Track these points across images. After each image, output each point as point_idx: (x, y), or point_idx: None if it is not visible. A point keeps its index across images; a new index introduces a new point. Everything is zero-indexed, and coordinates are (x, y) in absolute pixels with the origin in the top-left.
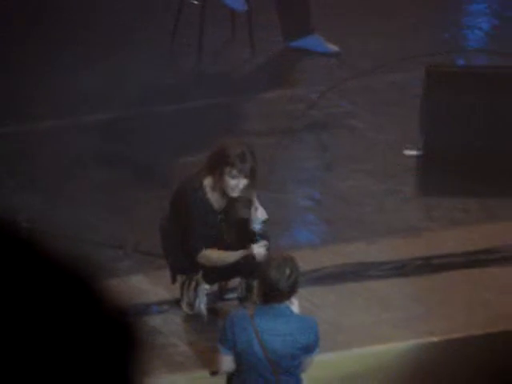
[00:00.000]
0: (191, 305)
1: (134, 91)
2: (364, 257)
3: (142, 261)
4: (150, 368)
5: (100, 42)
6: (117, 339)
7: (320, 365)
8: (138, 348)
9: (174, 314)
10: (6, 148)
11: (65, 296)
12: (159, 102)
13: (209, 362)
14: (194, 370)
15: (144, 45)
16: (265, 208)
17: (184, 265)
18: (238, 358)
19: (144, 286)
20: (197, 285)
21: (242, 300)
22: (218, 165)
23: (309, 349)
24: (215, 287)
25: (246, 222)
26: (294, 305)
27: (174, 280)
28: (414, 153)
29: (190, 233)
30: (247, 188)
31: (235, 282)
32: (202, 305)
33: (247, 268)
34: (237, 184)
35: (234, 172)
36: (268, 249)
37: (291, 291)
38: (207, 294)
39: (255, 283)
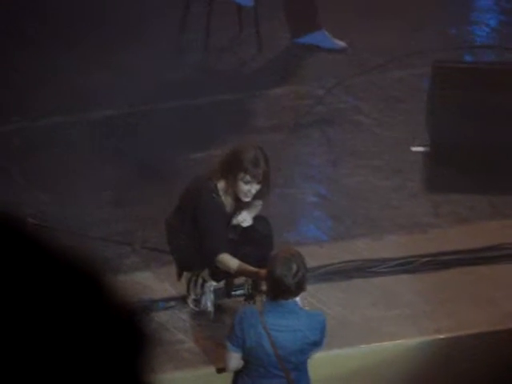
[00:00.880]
0: (198, 301)
1: (141, 87)
2: (370, 253)
3: (149, 257)
4: (156, 364)
5: (107, 38)
6: (123, 335)
7: (326, 361)
8: (144, 344)
9: (180, 310)
10: (14, 144)
11: (71, 292)
12: (166, 99)
13: (215, 359)
14: (201, 367)
15: (151, 41)
16: (272, 203)
17: (191, 261)
18: (247, 355)
19: (150, 282)
20: (203, 281)
21: (248, 297)
22: (231, 169)
23: (317, 344)
24: (222, 284)
25: (266, 238)
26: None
27: (180, 276)
28: (420, 149)
29: (206, 235)
30: (260, 193)
31: (241, 278)
32: (208, 301)
33: (254, 264)
34: (249, 189)
35: (247, 177)
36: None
37: (298, 288)
38: (214, 291)
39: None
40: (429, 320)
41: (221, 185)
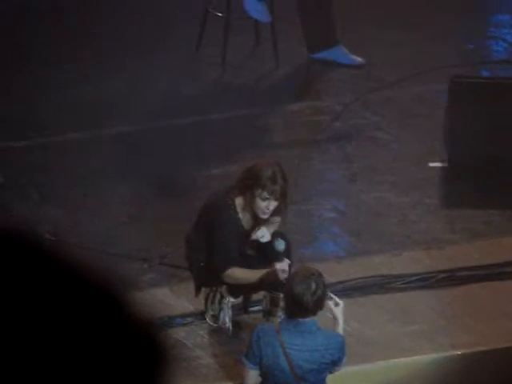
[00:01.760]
0: (215, 317)
1: (157, 103)
2: (388, 269)
3: (166, 273)
4: (174, 380)
5: (123, 54)
6: (141, 352)
7: (344, 378)
8: (162, 360)
9: (198, 326)
10: (29, 160)
11: (89, 309)
12: (183, 114)
13: (233, 375)
14: (219, 383)
15: (168, 56)
16: (289, 220)
17: (208, 277)
18: (264, 373)
19: (168, 298)
20: (221, 297)
21: (266, 313)
22: (248, 186)
23: (335, 363)
24: (239, 300)
25: (270, 244)
26: (337, 313)
27: (198, 292)
28: (438, 165)
29: (218, 250)
30: (278, 210)
31: (260, 294)
32: (226, 317)
33: (272, 281)
34: (267, 206)
35: (265, 194)
36: (290, 268)
37: (316, 306)
38: (232, 307)
39: (280, 296)
40: (446, 336)
41: (238, 201)
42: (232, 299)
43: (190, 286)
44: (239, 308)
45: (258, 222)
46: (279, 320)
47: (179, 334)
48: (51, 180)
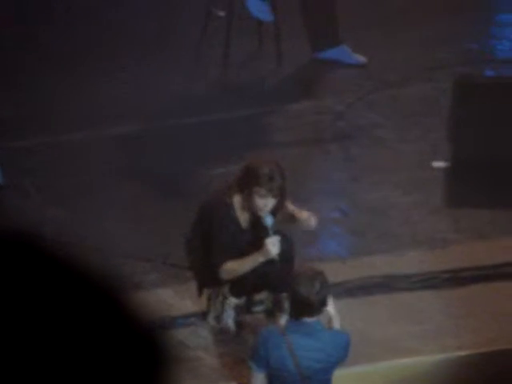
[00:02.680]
0: (218, 318)
1: (159, 103)
2: (391, 269)
3: (169, 274)
4: (176, 381)
5: (125, 55)
6: (144, 352)
7: (348, 378)
8: (164, 361)
9: (200, 327)
10: (32, 161)
11: (92, 309)
12: (185, 114)
13: (236, 375)
14: None
15: (170, 56)
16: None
17: (210, 278)
18: (271, 375)
19: (171, 299)
20: (224, 298)
21: (269, 313)
22: (246, 184)
23: (340, 362)
24: (242, 300)
25: (286, 253)
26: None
27: (200, 293)
28: (441, 164)
29: (214, 248)
30: (276, 207)
31: (262, 294)
32: (229, 318)
33: (274, 281)
34: (265, 203)
35: (263, 191)
36: (292, 267)
37: (321, 305)
38: (234, 307)
39: (282, 296)
40: (450, 336)
41: (237, 199)
42: (234, 300)
43: (193, 286)
44: (242, 308)
45: (256, 219)
46: (283, 321)
47: (182, 334)
48: (53, 181)
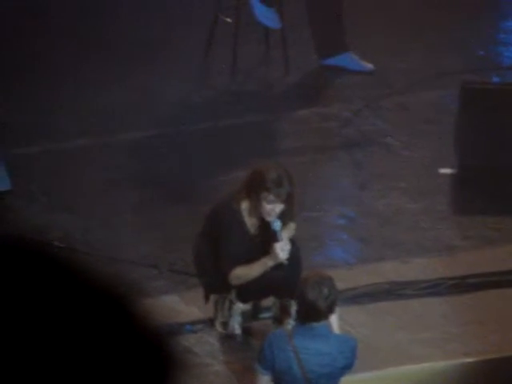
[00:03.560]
0: (225, 324)
1: (166, 110)
2: (398, 276)
3: (176, 280)
4: None
5: (132, 60)
6: (150, 359)
7: None
8: (171, 368)
9: (207, 333)
10: (39, 167)
11: (98, 316)
12: (192, 121)
13: (243, 382)
14: None
15: (177, 63)
16: (299, 226)
17: (218, 284)
18: (277, 378)
19: (178, 305)
20: (231, 304)
21: (276, 319)
22: (254, 189)
23: (347, 368)
24: (249, 306)
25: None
26: (333, 321)
27: (207, 299)
28: (448, 171)
29: (223, 254)
30: (285, 213)
31: (269, 301)
32: (236, 324)
33: (281, 287)
34: (273, 209)
35: (271, 197)
36: (300, 272)
37: (329, 310)
38: (241, 313)
39: (289, 302)
40: (457, 343)
41: (245, 205)
42: (241, 306)
43: (200, 292)
44: (249, 315)
45: (265, 225)
46: (290, 326)
47: (189, 341)
48: (60, 186)
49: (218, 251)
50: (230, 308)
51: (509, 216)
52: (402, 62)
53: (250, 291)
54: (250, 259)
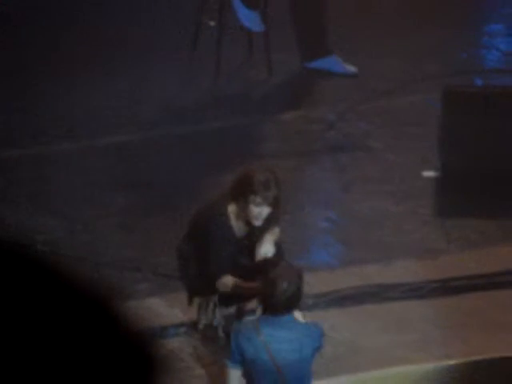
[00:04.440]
0: (209, 327)
1: (150, 113)
2: (381, 278)
3: (160, 283)
4: None
5: (116, 64)
6: (133, 362)
7: None
8: (154, 371)
9: (191, 336)
10: (24, 171)
11: (81, 319)
12: (176, 124)
13: None
14: None
15: (161, 66)
16: (283, 229)
17: (201, 287)
18: (247, 370)
19: (161, 308)
20: (214, 307)
21: None
22: (241, 192)
23: (316, 350)
24: (233, 309)
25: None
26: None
27: (190, 302)
28: (432, 174)
29: (210, 258)
30: (271, 216)
31: (253, 304)
32: (219, 327)
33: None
34: (260, 212)
35: (258, 199)
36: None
37: (291, 303)
38: (225, 317)
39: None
40: (439, 345)
41: (231, 209)
42: (225, 309)
43: (183, 295)
44: (232, 318)
45: (252, 229)
46: (255, 317)
47: (172, 344)
48: (45, 190)
49: (205, 255)
50: (214, 311)
51: (492, 219)
52: (385, 65)
53: (234, 294)
54: (235, 262)
